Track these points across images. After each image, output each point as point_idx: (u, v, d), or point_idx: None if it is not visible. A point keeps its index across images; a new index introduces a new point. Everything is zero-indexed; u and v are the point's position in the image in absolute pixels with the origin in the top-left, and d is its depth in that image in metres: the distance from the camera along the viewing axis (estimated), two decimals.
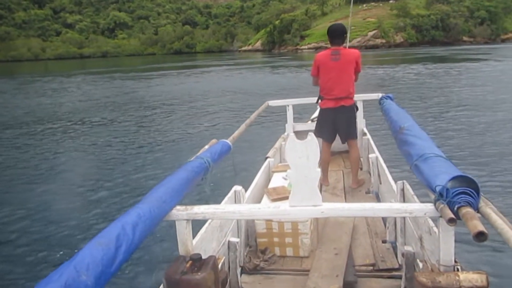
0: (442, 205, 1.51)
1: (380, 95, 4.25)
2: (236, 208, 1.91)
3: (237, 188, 2.89)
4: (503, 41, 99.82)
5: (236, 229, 2.81)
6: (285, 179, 3.45)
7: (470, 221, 1.36)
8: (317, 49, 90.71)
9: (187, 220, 1.85)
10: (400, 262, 2.64)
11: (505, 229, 1.29)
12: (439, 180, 1.55)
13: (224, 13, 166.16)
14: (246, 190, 3.08)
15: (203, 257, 1.84)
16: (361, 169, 4.74)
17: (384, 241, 3.01)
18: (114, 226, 1.40)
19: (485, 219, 1.42)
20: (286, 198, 2.73)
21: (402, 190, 2.68)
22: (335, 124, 4.11)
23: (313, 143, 1.72)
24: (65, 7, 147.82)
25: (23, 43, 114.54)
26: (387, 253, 2.88)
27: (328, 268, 2.65)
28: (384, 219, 3.20)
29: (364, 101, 4.96)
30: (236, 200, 2.85)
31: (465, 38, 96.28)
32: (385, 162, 3.75)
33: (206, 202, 2.03)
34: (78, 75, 36.78)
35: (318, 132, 4.14)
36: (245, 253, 2.92)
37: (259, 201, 3.33)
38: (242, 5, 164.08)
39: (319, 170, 1.81)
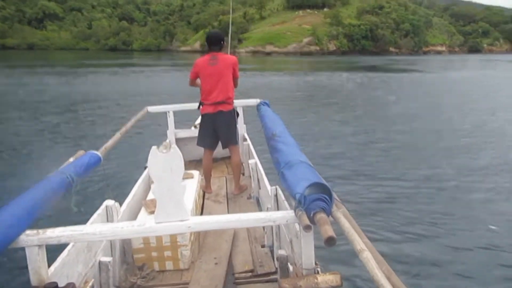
0: (300, 212, 1.60)
1: (258, 101, 4.33)
2: (97, 229, 1.75)
3: (109, 202, 2.69)
4: (424, 53, 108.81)
5: (108, 247, 2.62)
6: None
7: (322, 226, 1.45)
8: (254, 53, 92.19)
9: (40, 245, 1.67)
10: (276, 266, 2.65)
11: (351, 232, 1.41)
12: (299, 187, 1.65)
13: (164, 11, 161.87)
14: (121, 204, 2.94)
15: (62, 284, 1.71)
16: (243, 174, 4.76)
17: (263, 246, 3.06)
18: None
19: (336, 223, 1.54)
20: None
21: (276, 195, 2.77)
22: (215, 130, 4.14)
23: (176, 155, 1.69)
24: None
25: None
26: (265, 257, 2.92)
27: (207, 279, 2.63)
28: None
29: (244, 106, 5.01)
30: (109, 216, 2.67)
31: (391, 49, 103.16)
32: (264, 167, 3.81)
33: (73, 222, 1.88)
34: None
35: (200, 141, 4.27)
36: (121, 272, 2.73)
37: (136, 214, 3.16)
38: (182, 4, 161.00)
39: (184, 183, 1.92)
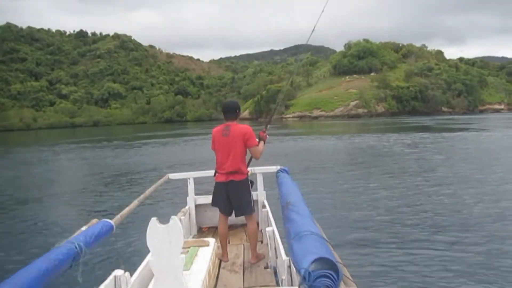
0: None
1: (277, 167, 4.28)
2: None
3: (118, 272, 2.58)
4: (481, 111, 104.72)
5: None
6: None
7: None
8: (301, 117, 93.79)
9: None
10: None
11: None
12: (304, 261, 1.56)
13: (216, 84, 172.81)
14: (132, 274, 2.87)
15: None
16: (262, 242, 4.65)
17: None
18: None
19: None
20: None
21: (289, 267, 2.68)
22: (229, 198, 4.13)
23: (175, 227, 1.67)
24: (61, 79, 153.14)
25: (15, 113, 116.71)
26: None
27: None
28: None
29: (263, 173, 5.00)
30: (117, 286, 2.58)
31: (444, 109, 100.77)
32: (282, 235, 3.68)
33: None
34: (57, 145, 37.29)
35: (214, 201, 4.27)
36: None
37: (147, 284, 3.03)
38: (233, 77, 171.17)
39: (183, 256, 1.79)
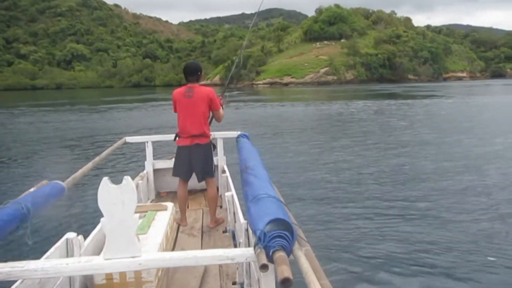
0: (259, 250, 1.50)
1: (238, 133, 4.20)
2: (39, 265, 1.59)
3: (70, 235, 2.51)
4: (445, 79, 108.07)
5: (67, 283, 2.45)
6: None
7: (279, 266, 1.35)
8: (272, 84, 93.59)
9: None
10: None
11: (309, 272, 1.31)
12: (260, 223, 1.57)
13: (185, 48, 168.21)
14: (86, 237, 2.78)
15: None
16: (221, 207, 4.64)
17: (234, 283, 2.96)
18: None
19: (296, 262, 1.44)
20: None
21: (247, 230, 2.69)
22: (191, 162, 4.06)
23: (128, 187, 1.60)
24: (18, 38, 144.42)
25: None
26: None
27: None
28: None
29: (224, 138, 4.96)
30: (69, 250, 2.52)
31: (410, 77, 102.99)
32: (242, 200, 3.80)
33: (29, 257, 1.79)
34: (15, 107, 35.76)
35: (174, 171, 4.19)
36: None
37: (101, 248, 2.89)
38: (204, 41, 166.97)
39: (136, 216, 1.72)
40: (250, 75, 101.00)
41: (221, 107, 4.14)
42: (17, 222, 1.82)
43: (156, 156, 5.27)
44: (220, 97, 4.27)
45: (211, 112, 4.12)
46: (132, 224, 1.61)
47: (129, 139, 4.85)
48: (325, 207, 6.46)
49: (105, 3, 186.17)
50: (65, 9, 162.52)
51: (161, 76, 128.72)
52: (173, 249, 3.53)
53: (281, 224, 1.54)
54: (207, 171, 4.12)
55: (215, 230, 4.06)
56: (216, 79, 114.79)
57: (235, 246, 3.35)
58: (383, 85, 76.35)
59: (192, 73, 3.97)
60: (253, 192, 1.96)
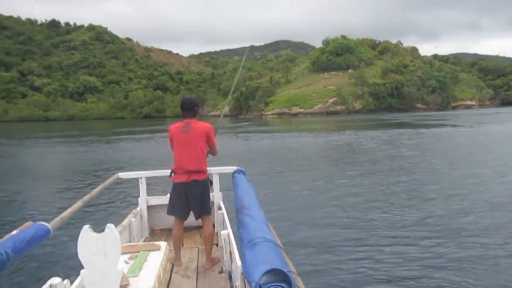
0: None
1: (234, 168, 4.22)
2: None
3: (55, 280, 2.37)
4: (454, 108, 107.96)
5: None
6: (127, 262, 3.15)
7: None
8: (281, 114, 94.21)
9: None
10: None
11: None
12: (256, 273, 1.50)
13: (195, 80, 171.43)
14: (73, 281, 2.64)
15: None
16: (217, 245, 4.49)
17: None
18: None
19: None
20: (124, 287, 2.58)
21: (242, 273, 2.58)
22: (187, 199, 3.94)
23: (112, 236, 1.51)
24: (33, 71, 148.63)
25: None
26: None
27: None
28: None
29: (220, 174, 4.84)
30: None
31: (419, 105, 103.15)
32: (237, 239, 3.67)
33: None
34: (30, 139, 36.27)
35: (170, 210, 4.06)
36: None
37: None
38: (213, 72, 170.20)
39: (120, 268, 1.64)
40: (258, 106, 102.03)
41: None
42: None
43: (149, 192, 5.13)
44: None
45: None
46: (116, 277, 1.51)
47: (122, 175, 4.77)
48: (329, 250, 5.95)
49: (117, 37, 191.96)
50: (79, 43, 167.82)
51: (171, 108, 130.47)
52: None
53: (278, 274, 1.46)
54: (204, 208, 4.00)
55: (211, 271, 3.92)
56: (226, 109, 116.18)
57: None
58: (392, 114, 76.34)
59: (188, 109, 3.92)
60: (248, 235, 1.88)
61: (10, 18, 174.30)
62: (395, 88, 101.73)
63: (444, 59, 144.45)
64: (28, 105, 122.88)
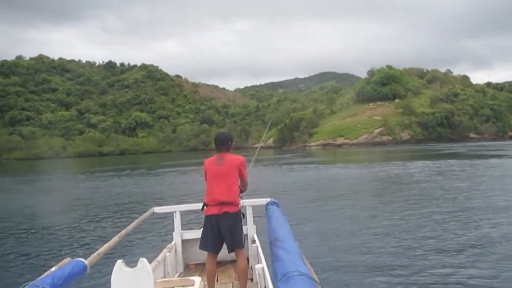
0: None
1: (267, 200, 4.19)
2: None
3: None
4: (511, 137, 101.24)
5: None
6: None
7: None
8: (325, 145, 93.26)
9: None
10: None
11: None
12: None
13: (241, 112, 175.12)
14: None
15: None
16: (252, 280, 4.37)
17: None
18: None
19: None
20: None
21: None
22: (220, 232, 3.91)
23: (144, 271, 1.55)
24: (90, 109, 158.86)
25: (46, 142, 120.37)
26: None
27: None
28: None
29: (253, 206, 4.81)
30: None
31: (472, 135, 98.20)
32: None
33: None
34: (79, 173, 38.23)
35: (202, 244, 4.02)
36: None
37: None
38: (258, 105, 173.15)
39: None
40: (302, 137, 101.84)
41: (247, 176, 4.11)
42: None
43: (185, 226, 5.12)
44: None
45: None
46: None
47: (157, 209, 4.81)
48: (369, 284, 5.74)
49: (167, 75, 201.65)
50: (132, 81, 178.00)
51: None
52: None
53: None
54: (237, 241, 3.93)
55: None
56: (270, 141, 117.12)
57: None
58: (442, 145, 73.20)
59: (222, 144, 3.96)
60: (283, 269, 1.84)
61: (71, 61, 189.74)
62: (445, 118, 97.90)
63: (499, 87, 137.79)
64: (85, 141, 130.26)
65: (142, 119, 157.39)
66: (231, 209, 3.86)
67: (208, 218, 3.94)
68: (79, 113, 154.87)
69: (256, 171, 31.67)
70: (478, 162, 29.31)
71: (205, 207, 3.98)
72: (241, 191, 4.16)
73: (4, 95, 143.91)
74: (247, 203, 4.62)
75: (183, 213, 5.04)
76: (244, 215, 4.21)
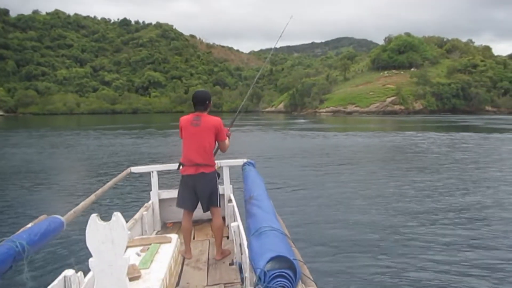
0: None
1: (244, 160, 4.23)
2: None
3: (68, 273, 2.43)
4: None
5: None
6: (139, 255, 3.18)
7: None
8: (335, 112, 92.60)
9: None
10: None
11: None
12: (261, 260, 1.51)
13: (254, 76, 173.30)
14: (86, 274, 2.64)
15: None
16: (228, 238, 4.48)
17: None
18: None
19: None
20: (136, 278, 2.66)
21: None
22: (196, 192, 3.97)
23: (118, 225, 1.53)
24: (104, 66, 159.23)
25: (60, 98, 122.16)
26: None
27: None
28: None
29: (230, 166, 4.86)
30: (67, 287, 2.45)
31: (488, 108, 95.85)
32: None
33: None
34: (93, 130, 38.99)
35: (178, 202, 4.08)
36: None
37: None
38: (272, 69, 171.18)
39: (127, 256, 1.69)
40: (313, 103, 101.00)
41: (227, 138, 4.10)
42: (11, 261, 1.76)
43: (161, 186, 5.12)
44: (228, 128, 4.22)
45: (216, 142, 4.06)
46: (123, 264, 1.53)
47: (134, 169, 4.81)
48: (345, 248, 5.85)
49: (182, 34, 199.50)
50: (146, 40, 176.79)
51: (228, 103, 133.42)
52: (177, 284, 3.44)
53: (283, 261, 1.45)
54: (213, 200, 4.00)
55: (222, 263, 3.93)
56: (281, 106, 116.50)
57: (242, 280, 3.20)
58: (457, 116, 71.78)
59: (200, 102, 3.89)
60: (256, 224, 1.91)
61: (87, 18, 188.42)
62: (461, 89, 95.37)
63: None
64: (98, 98, 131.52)
65: (155, 78, 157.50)
66: (207, 170, 3.93)
67: (184, 177, 4.01)
68: (94, 70, 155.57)
69: (263, 134, 31.91)
70: (497, 136, 28.05)
71: (181, 167, 4.01)
72: (216, 152, 4.18)
73: (21, 50, 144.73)
74: (224, 163, 4.70)
75: (160, 173, 5.04)
76: (219, 175, 4.26)
